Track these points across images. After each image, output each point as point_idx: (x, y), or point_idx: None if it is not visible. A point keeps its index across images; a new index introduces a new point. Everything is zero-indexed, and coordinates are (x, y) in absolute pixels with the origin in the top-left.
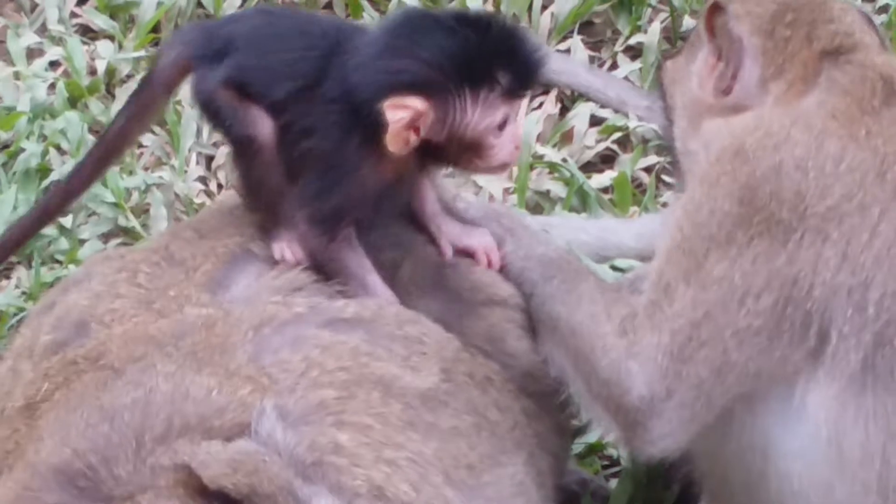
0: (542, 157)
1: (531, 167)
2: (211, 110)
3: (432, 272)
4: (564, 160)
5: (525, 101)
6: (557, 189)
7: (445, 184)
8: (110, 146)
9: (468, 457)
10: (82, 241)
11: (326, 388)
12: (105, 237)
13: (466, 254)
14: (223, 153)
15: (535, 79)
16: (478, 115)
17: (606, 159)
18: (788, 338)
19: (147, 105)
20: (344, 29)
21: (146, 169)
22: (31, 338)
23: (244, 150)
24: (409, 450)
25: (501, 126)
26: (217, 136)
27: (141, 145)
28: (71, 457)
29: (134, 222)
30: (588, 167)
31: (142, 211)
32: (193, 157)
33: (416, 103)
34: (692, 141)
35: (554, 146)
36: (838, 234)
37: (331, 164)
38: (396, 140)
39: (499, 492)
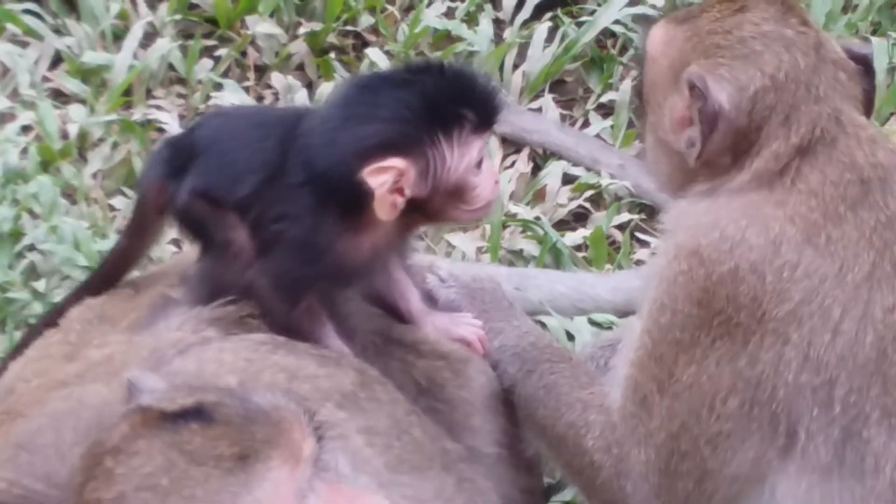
0: (514, 215)
1: (504, 226)
2: (186, 222)
3: (380, 326)
4: (537, 218)
5: (497, 160)
6: (531, 248)
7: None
8: (113, 268)
9: (385, 455)
10: (55, 305)
11: (227, 377)
12: None
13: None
14: None
15: (498, 107)
16: (457, 156)
17: (579, 217)
18: (759, 438)
19: (145, 228)
20: (294, 115)
21: (119, 232)
22: None
23: (221, 254)
24: (323, 416)
25: (479, 163)
26: None
27: (113, 208)
28: (7, 487)
29: None
30: (560, 225)
31: None
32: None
33: (396, 162)
34: (665, 186)
35: (527, 204)
36: (798, 337)
37: (303, 247)
38: (384, 206)
39: (418, 493)
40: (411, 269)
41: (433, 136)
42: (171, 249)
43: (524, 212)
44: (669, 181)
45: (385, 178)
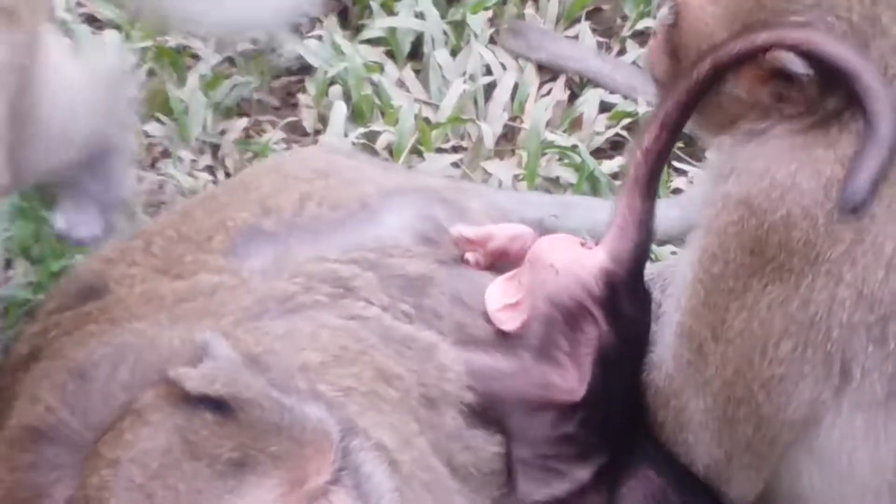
0: (551, 142)
1: (541, 153)
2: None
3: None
4: (574, 146)
5: (534, 88)
6: (568, 175)
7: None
8: None
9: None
10: None
11: (312, 353)
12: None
13: None
14: (229, 141)
15: None
16: None
17: (616, 145)
18: (813, 380)
19: None
20: None
21: (155, 160)
22: (45, 302)
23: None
24: (393, 419)
25: None
26: (223, 125)
27: (148, 135)
28: (44, 412)
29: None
30: (598, 153)
31: (149, 205)
32: (200, 147)
33: None
34: (708, 124)
35: (564, 132)
36: (852, 276)
37: None
38: None
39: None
40: None
41: None
42: (206, 177)
43: (561, 139)
44: (714, 116)
45: None
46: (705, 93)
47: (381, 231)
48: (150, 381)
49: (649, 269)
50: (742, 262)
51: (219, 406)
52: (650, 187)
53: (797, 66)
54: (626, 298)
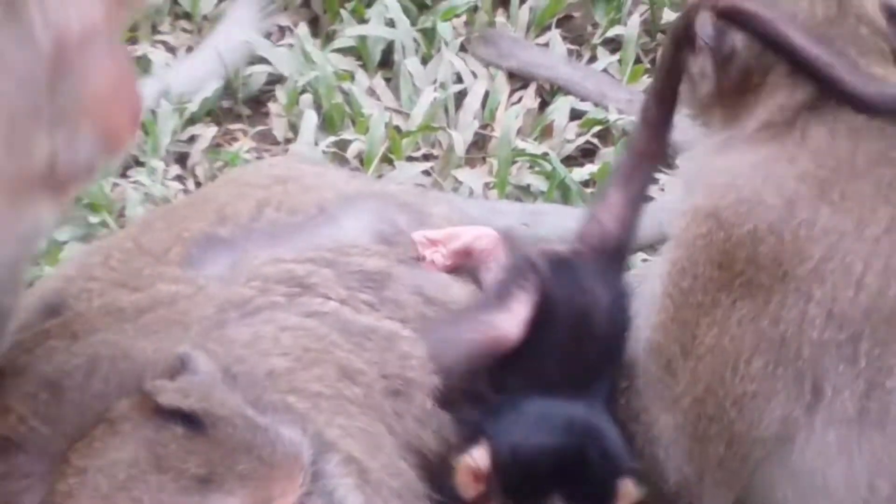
0: (522, 150)
1: (511, 161)
2: None
3: None
4: (545, 154)
5: (504, 96)
6: (538, 183)
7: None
8: None
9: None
10: (62, 244)
11: (277, 359)
12: (84, 240)
13: None
14: (198, 150)
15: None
16: None
17: (587, 153)
18: (784, 397)
19: None
20: None
21: (126, 168)
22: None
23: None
24: (361, 423)
25: None
26: (192, 131)
27: None
28: (16, 423)
29: (112, 224)
30: (568, 161)
31: (119, 214)
32: (170, 156)
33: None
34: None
35: (534, 140)
36: (822, 294)
37: None
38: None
39: None
40: None
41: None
42: (177, 186)
43: (532, 147)
44: (692, 101)
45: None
46: (673, 67)
47: (340, 233)
48: (126, 391)
49: None
50: (711, 276)
51: (191, 420)
52: (629, 178)
53: (705, 31)
54: (585, 273)
